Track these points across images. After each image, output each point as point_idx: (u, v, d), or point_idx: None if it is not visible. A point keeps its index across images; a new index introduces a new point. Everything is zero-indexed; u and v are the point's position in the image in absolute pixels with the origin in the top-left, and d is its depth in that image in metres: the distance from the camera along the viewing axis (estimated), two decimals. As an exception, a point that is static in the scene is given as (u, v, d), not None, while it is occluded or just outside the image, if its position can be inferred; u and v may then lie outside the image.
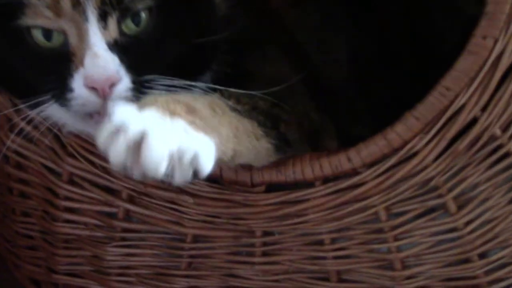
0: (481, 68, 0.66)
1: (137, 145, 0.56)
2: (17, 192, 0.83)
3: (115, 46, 0.64)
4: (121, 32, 0.65)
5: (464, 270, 0.73)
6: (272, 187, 0.73)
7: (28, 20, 0.64)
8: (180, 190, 0.75)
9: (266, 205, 0.73)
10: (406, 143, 0.68)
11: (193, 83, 0.66)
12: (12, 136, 0.75)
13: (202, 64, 0.70)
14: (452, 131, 0.67)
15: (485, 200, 0.70)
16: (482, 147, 0.68)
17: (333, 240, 0.74)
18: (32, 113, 0.69)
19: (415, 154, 0.69)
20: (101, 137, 0.57)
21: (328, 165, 0.70)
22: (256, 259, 0.76)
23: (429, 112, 0.67)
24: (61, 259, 0.82)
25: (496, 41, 0.65)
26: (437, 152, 0.68)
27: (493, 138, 0.68)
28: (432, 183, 0.70)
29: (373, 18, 0.85)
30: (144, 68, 0.65)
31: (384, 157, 0.69)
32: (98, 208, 0.79)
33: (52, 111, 0.68)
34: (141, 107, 0.59)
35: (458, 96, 0.66)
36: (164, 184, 0.75)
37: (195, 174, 0.58)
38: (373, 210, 0.71)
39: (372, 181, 0.70)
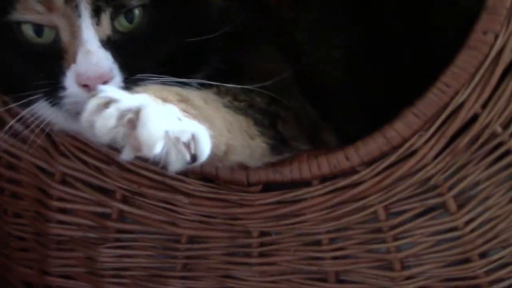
0: (481, 64, 0.65)
1: (130, 121, 0.55)
2: (9, 193, 0.82)
3: (108, 43, 0.63)
4: (114, 29, 0.64)
5: (464, 270, 0.72)
6: (268, 187, 0.72)
7: (18, 15, 0.63)
8: (174, 189, 0.74)
9: (263, 205, 0.72)
10: (405, 141, 0.68)
11: (186, 80, 0.64)
12: (3, 135, 0.74)
13: (197, 61, 0.69)
14: (452, 129, 0.67)
15: (486, 198, 0.70)
16: (483, 144, 0.68)
17: (331, 240, 0.73)
18: (24, 112, 0.68)
19: (414, 152, 0.68)
20: (88, 109, 0.56)
21: (325, 163, 0.70)
22: (253, 260, 0.75)
23: (429, 109, 0.67)
24: (54, 261, 0.81)
25: (497, 36, 0.64)
26: (437, 150, 0.68)
27: (493, 135, 0.67)
28: (432, 182, 0.69)
29: (369, 13, 0.84)
30: (137, 66, 0.64)
31: (383, 155, 0.69)
32: (92, 208, 0.78)
33: (43, 109, 0.67)
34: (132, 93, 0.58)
35: (458, 93, 0.66)
36: (159, 184, 0.75)
37: (193, 158, 0.57)
38: (371, 209, 0.71)
39: (371, 180, 0.70)
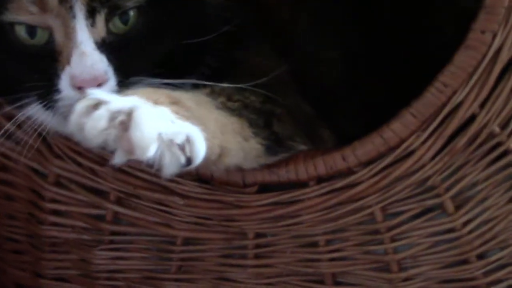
0: (479, 63, 0.65)
1: (122, 123, 0.54)
2: (2, 195, 0.81)
3: (103, 45, 0.63)
4: (108, 31, 0.63)
5: (462, 272, 0.72)
6: (264, 188, 0.72)
7: (11, 15, 0.62)
8: (169, 191, 0.74)
9: (259, 206, 0.72)
10: (402, 141, 0.67)
11: (182, 81, 0.64)
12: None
13: (193, 62, 0.69)
14: (449, 129, 0.67)
15: (484, 199, 0.69)
16: (481, 145, 0.67)
17: (328, 242, 0.73)
18: (18, 114, 0.67)
19: (412, 152, 0.68)
20: (77, 111, 0.54)
21: (322, 164, 0.69)
22: (248, 262, 0.75)
23: (426, 109, 0.66)
24: (47, 263, 0.81)
25: (495, 36, 0.64)
26: (434, 150, 0.67)
27: (492, 135, 0.67)
28: (429, 183, 0.69)
29: (369, 13, 0.83)
30: (132, 68, 0.64)
31: (380, 156, 0.68)
32: (86, 210, 0.78)
33: (38, 112, 0.66)
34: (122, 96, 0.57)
35: (456, 92, 0.66)
36: (154, 185, 0.74)
37: (188, 161, 0.56)
38: (369, 210, 0.70)
39: (368, 181, 0.69)
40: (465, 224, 0.70)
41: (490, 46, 0.64)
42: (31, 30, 0.63)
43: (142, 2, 0.64)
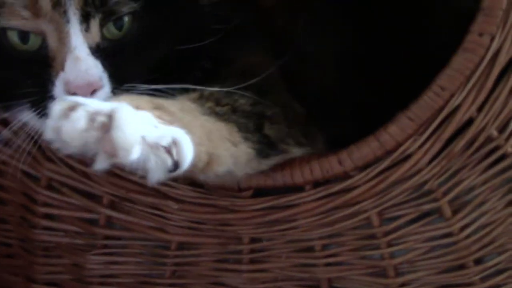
0: (477, 66, 0.64)
1: (103, 125, 0.51)
2: (-6, 198, 0.81)
3: (98, 51, 0.62)
4: (102, 37, 0.62)
5: (459, 277, 0.71)
6: (260, 192, 0.71)
7: (3, 21, 0.61)
8: (163, 195, 0.73)
9: (254, 211, 0.72)
10: (399, 145, 0.67)
11: (175, 86, 0.63)
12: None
13: (189, 67, 0.68)
14: (447, 132, 0.66)
15: (481, 203, 0.69)
16: (478, 148, 0.67)
17: (324, 247, 0.73)
18: (11, 119, 0.67)
19: (408, 156, 0.67)
20: (53, 114, 0.52)
21: (318, 168, 0.69)
22: (243, 267, 0.74)
23: (424, 113, 0.66)
24: (40, 268, 0.80)
25: (493, 38, 0.64)
26: (431, 154, 0.67)
27: (489, 139, 0.67)
28: (427, 187, 0.69)
29: (367, 15, 0.83)
30: (127, 75, 0.63)
31: (377, 160, 0.68)
32: (78, 214, 0.77)
33: (32, 118, 0.65)
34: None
35: (453, 96, 0.65)
36: (147, 189, 0.74)
37: (175, 165, 0.54)
38: (365, 215, 0.70)
39: (364, 185, 0.69)
40: (463, 228, 0.70)
41: (488, 49, 0.64)
42: (24, 35, 0.62)
43: (137, 7, 0.63)
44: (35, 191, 0.77)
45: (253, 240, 0.73)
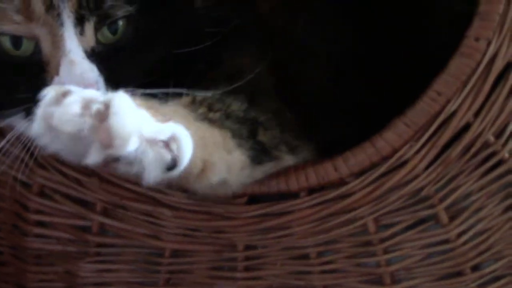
0: (473, 71, 0.64)
1: (99, 113, 0.49)
2: (-15, 205, 0.80)
3: (93, 55, 0.61)
4: (97, 41, 0.62)
5: (456, 284, 0.71)
6: (254, 199, 0.71)
7: None
8: (157, 202, 0.73)
9: (249, 218, 0.71)
10: (395, 151, 0.67)
11: (171, 90, 0.62)
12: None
13: (184, 70, 0.67)
14: (443, 138, 0.66)
15: (478, 210, 0.69)
16: (475, 154, 0.67)
17: (319, 254, 0.72)
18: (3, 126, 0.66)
19: (405, 162, 0.67)
20: (45, 101, 0.49)
21: (313, 174, 0.68)
22: (238, 274, 0.74)
23: (420, 118, 0.66)
24: (32, 276, 0.80)
25: (489, 43, 0.63)
26: (428, 160, 0.67)
27: (486, 145, 0.66)
28: (423, 193, 0.68)
29: (362, 15, 0.82)
30: (122, 79, 0.62)
31: (373, 166, 0.68)
32: (71, 221, 0.77)
33: (25, 125, 0.64)
34: None
35: (450, 101, 0.65)
36: (141, 196, 0.73)
37: (173, 162, 0.51)
38: (361, 221, 0.70)
39: (360, 191, 0.68)
40: (460, 235, 0.69)
41: (484, 54, 0.64)
42: (16, 40, 0.61)
43: (132, 11, 0.62)
44: (27, 198, 0.76)
45: (248, 248, 0.73)
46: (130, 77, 0.63)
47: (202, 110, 0.62)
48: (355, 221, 0.70)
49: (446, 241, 0.70)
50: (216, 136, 0.61)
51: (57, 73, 0.60)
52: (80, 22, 0.60)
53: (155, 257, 0.76)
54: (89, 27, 0.61)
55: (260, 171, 0.67)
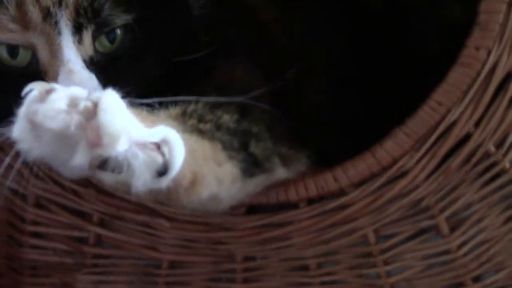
0: (474, 81, 0.64)
1: (87, 110, 0.47)
2: (-20, 216, 0.80)
3: (92, 64, 0.60)
4: (95, 50, 0.61)
5: (457, 295, 0.71)
6: (253, 209, 0.70)
7: None
8: (155, 212, 0.72)
9: (247, 229, 0.71)
10: (395, 161, 0.66)
11: (171, 99, 0.61)
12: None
13: (183, 79, 0.66)
14: (444, 148, 0.65)
15: (479, 220, 0.68)
16: (476, 164, 0.66)
17: (319, 265, 0.72)
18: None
19: (405, 172, 0.67)
20: (29, 98, 0.47)
21: (313, 185, 0.68)
22: (237, 286, 0.74)
23: (420, 128, 0.65)
24: (27, 288, 0.79)
25: (489, 53, 0.63)
26: (428, 170, 0.66)
27: (487, 155, 0.66)
28: (424, 203, 0.68)
29: (357, 31, 0.82)
30: (122, 89, 0.61)
31: (373, 176, 0.67)
32: (67, 232, 0.76)
33: None
34: None
35: (450, 111, 0.65)
36: (138, 207, 0.73)
37: (164, 167, 0.49)
38: (361, 232, 0.70)
39: (360, 202, 0.68)
40: (461, 246, 0.69)
41: (484, 63, 0.63)
42: (13, 50, 0.60)
43: (129, 20, 0.62)
44: (23, 209, 0.76)
45: (247, 259, 0.73)
46: (129, 86, 0.62)
47: (191, 121, 0.60)
48: (355, 231, 0.69)
49: (446, 252, 0.69)
50: (206, 148, 0.59)
51: (55, 82, 0.59)
52: (78, 30, 0.60)
53: (153, 269, 0.75)
54: (87, 35, 0.60)
55: (252, 185, 0.65)
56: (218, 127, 0.62)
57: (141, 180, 0.48)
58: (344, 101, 0.78)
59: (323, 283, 0.72)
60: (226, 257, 0.73)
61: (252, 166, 0.63)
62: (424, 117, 0.65)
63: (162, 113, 0.59)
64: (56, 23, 0.59)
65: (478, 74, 0.63)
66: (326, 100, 0.78)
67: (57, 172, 0.71)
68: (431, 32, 0.79)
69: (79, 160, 0.47)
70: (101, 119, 0.46)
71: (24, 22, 0.59)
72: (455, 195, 0.67)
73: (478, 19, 0.63)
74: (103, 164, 0.48)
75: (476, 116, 0.64)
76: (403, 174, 0.67)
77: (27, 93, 0.49)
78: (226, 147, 0.61)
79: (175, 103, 0.62)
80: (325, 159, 0.72)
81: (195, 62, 0.65)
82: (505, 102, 0.64)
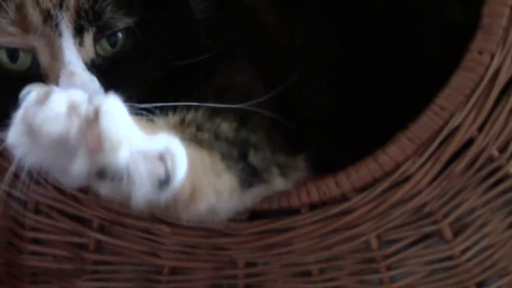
0: (477, 85, 0.63)
1: (87, 117, 0.45)
2: (-21, 222, 0.80)
3: (93, 67, 0.60)
4: (96, 53, 0.61)
5: (461, 300, 0.70)
6: (255, 215, 0.70)
7: None
8: (155, 218, 0.72)
9: (249, 234, 0.70)
10: (398, 166, 0.66)
11: (173, 104, 0.60)
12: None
13: (186, 83, 0.66)
14: (447, 153, 0.65)
15: (483, 225, 0.68)
16: (479, 169, 0.66)
17: (322, 271, 0.71)
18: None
19: (408, 177, 0.66)
20: (27, 102, 0.46)
21: (315, 190, 0.68)
22: (238, 292, 0.73)
23: (423, 133, 0.65)
24: (27, 294, 0.79)
25: (493, 57, 0.63)
26: (431, 175, 0.66)
27: (490, 159, 0.66)
28: (427, 209, 0.67)
29: (355, 33, 0.81)
30: (123, 92, 0.60)
31: (375, 181, 0.67)
32: (67, 238, 0.76)
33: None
34: None
35: (453, 116, 0.64)
36: (139, 213, 0.71)
37: (166, 177, 0.47)
38: (364, 238, 0.69)
39: (363, 207, 0.68)
40: (464, 251, 0.69)
41: (488, 67, 0.63)
42: (13, 54, 0.60)
43: (131, 23, 0.61)
44: (23, 215, 0.75)
45: (249, 265, 0.72)
46: (130, 89, 0.62)
47: (190, 130, 0.59)
48: (358, 237, 0.69)
49: (450, 258, 0.69)
50: (204, 158, 0.57)
51: (56, 85, 0.58)
52: (79, 32, 0.59)
53: (154, 275, 0.75)
54: (88, 37, 0.60)
55: (250, 196, 0.64)
56: (217, 136, 0.61)
57: (141, 191, 0.47)
58: (345, 102, 0.77)
59: (325, 289, 0.72)
60: (228, 263, 0.72)
61: (250, 176, 0.62)
62: (427, 121, 0.64)
63: (161, 121, 0.58)
64: (56, 25, 0.58)
65: (482, 78, 0.63)
66: (326, 101, 0.78)
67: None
68: (432, 33, 0.79)
69: (79, 167, 0.45)
70: (103, 124, 0.45)
71: (24, 25, 0.58)
72: (458, 200, 0.67)
73: (481, 23, 0.63)
74: (102, 172, 0.46)
75: (479, 120, 0.64)
76: (406, 179, 0.66)
77: (24, 96, 0.48)
78: (224, 156, 0.59)
79: (175, 108, 0.61)
80: (325, 162, 0.72)
81: (196, 65, 0.65)
82: (508, 106, 0.64)
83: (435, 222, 0.68)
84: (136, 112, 0.58)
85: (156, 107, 0.60)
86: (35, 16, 0.58)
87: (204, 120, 0.61)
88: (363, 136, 0.72)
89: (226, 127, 0.62)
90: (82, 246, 0.76)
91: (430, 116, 0.64)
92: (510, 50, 0.63)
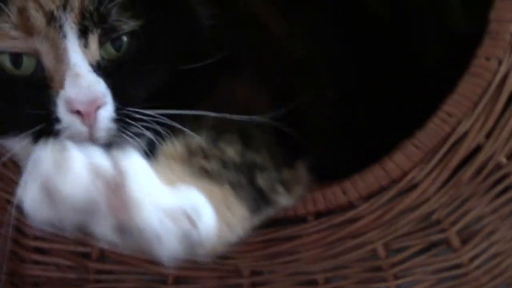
0: (485, 91, 0.63)
1: (110, 181, 0.46)
2: (-18, 232, 0.79)
3: (99, 69, 0.59)
4: (101, 56, 0.60)
5: (469, 309, 0.70)
6: (260, 223, 0.67)
7: None
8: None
9: (255, 243, 0.70)
10: (405, 173, 0.65)
11: (180, 112, 0.60)
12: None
13: (192, 90, 0.65)
14: (454, 160, 0.65)
15: (491, 233, 0.68)
16: (487, 176, 0.65)
17: (328, 280, 0.71)
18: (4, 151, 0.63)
19: (415, 185, 0.66)
20: (43, 165, 0.45)
21: (321, 198, 0.67)
22: (244, 301, 0.73)
23: (430, 140, 0.64)
24: (30, 304, 0.79)
25: (500, 62, 0.62)
26: (439, 183, 0.65)
27: (498, 167, 0.65)
28: (434, 217, 0.67)
29: (356, 40, 0.81)
30: (129, 96, 0.60)
31: (382, 189, 0.66)
32: (71, 248, 0.76)
33: (24, 146, 0.61)
34: None
35: (460, 122, 0.64)
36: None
37: (197, 237, 0.48)
38: (370, 246, 0.69)
39: (369, 215, 0.67)
40: (472, 259, 0.68)
41: (495, 73, 0.62)
42: (16, 59, 0.59)
43: (136, 26, 0.61)
44: (25, 224, 0.75)
45: (254, 273, 0.72)
46: (136, 93, 0.61)
47: (197, 160, 0.59)
48: (364, 245, 0.69)
49: (458, 266, 0.69)
50: (216, 193, 0.57)
51: (62, 87, 0.58)
52: (83, 34, 0.58)
53: (157, 284, 0.74)
54: (93, 39, 0.59)
55: (258, 219, 0.63)
56: (224, 164, 0.61)
57: (171, 250, 0.48)
58: (348, 108, 0.77)
59: (331, 298, 0.71)
60: (233, 271, 0.72)
61: (259, 201, 0.62)
62: (434, 128, 0.64)
63: (168, 152, 0.58)
64: (60, 26, 0.58)
65: (489, 84, 0.63)
66: (332, 108, 0.78)
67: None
68: (432, 34, 0.79)
69: (102, 226, 0.46)
70: (129, 190, 0.45)
71: (27, 28, 0.58)
72: (466, 207, 0.66)
73: (489, 28, 0.62)
74: (125, 230, 0.47)
75: (487, 127, 0.64)
76: (413, 187, 0.66)
77: (36, 158, 0.47)
78: (234, 186, 0.59)
79: (179, 116, 0.61)
80: (329, 170, 0.72)
81: (201, 71, 0.64)
82: (516, 112, 0.64)
83: (443, 230, 0.67)
84: (140, 118, 0.59)
85: (159, 115, 0.60)
86: (38, 19, 0.57)
87: (208, 147, 0.61)
88: (366, 142, 0.71)
89: (231, 152, 0.62)
90: (86, 255, 0.75)
91: (437, 123, 0.64)
92: (518, 56, 0.63)
